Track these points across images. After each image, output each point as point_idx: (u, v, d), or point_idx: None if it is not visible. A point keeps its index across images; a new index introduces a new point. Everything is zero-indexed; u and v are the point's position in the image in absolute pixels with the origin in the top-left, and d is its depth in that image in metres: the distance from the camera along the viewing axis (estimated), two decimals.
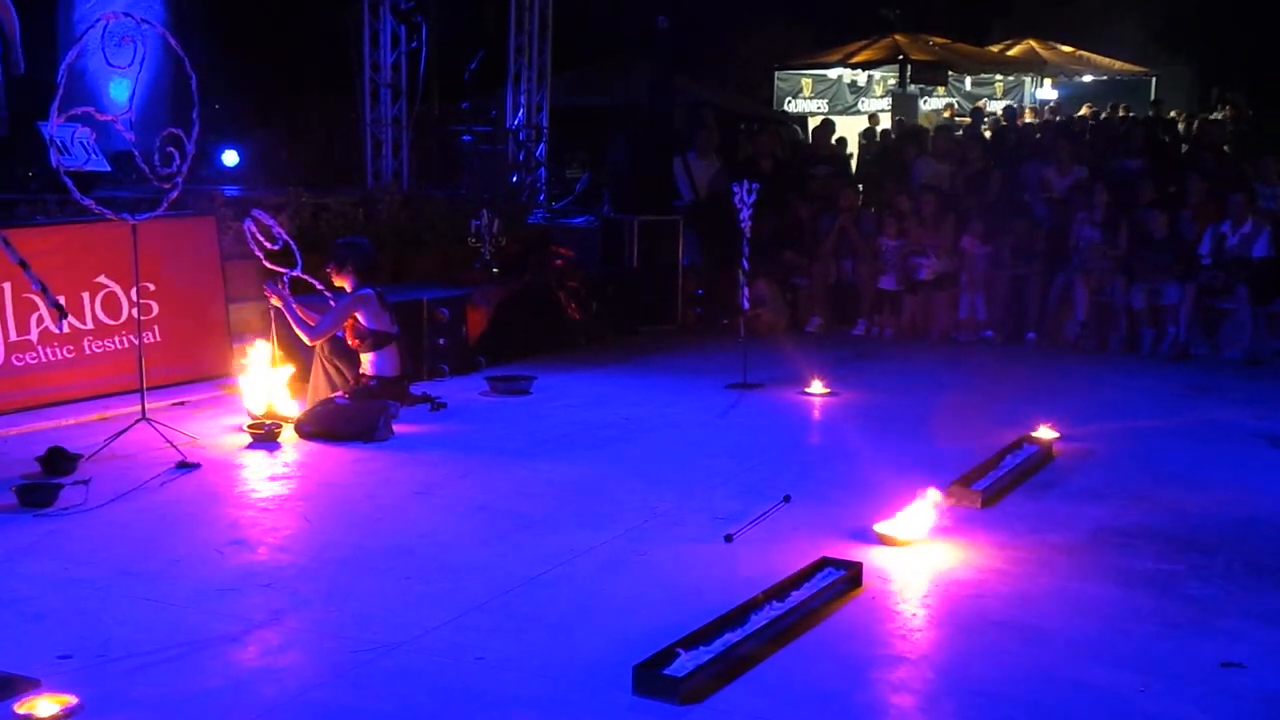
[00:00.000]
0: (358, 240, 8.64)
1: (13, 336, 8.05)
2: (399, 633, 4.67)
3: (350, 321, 8.10)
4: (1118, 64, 25.14)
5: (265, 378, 8.19)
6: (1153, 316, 11.04)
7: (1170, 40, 25.37)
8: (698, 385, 9.51)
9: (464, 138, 13.37)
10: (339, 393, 8.05)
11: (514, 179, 13.52)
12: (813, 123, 21.13)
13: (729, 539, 5.75)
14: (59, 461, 6.75)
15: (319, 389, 8.19)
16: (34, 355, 8.16)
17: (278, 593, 5.09)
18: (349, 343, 8.15)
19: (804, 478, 6.82)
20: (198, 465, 6.96)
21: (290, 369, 8.33)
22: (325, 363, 8.25)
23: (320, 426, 7.67)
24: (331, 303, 8.25)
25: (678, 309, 12.50)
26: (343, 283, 8.24)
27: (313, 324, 8.13)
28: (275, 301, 8.15)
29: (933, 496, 5.96)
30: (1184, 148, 15.36)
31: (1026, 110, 22.73)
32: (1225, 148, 14.56)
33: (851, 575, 5.19)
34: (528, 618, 4.87)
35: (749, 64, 25.53)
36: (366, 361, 8.17)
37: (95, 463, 6.91)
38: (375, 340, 8.11)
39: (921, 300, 11.98)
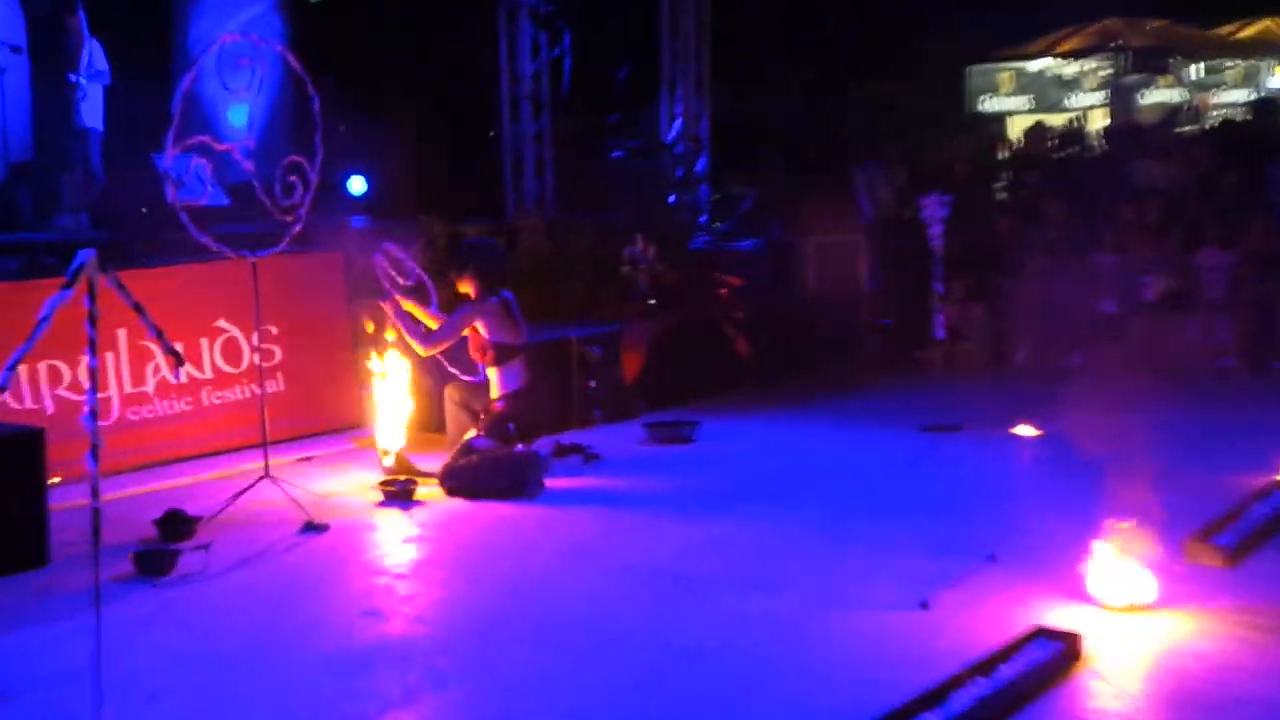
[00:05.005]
0: (482, 240, 8.65)
1: (127, 388, 8.34)
2: (549, 713, 4.69)
3: (472, 333, 8.14)
4: None
5: (396, 418, 8.34)
6: None
7: None
8: (886, 428, 9.45)
9: (614, 154, 13.50)
10: (475, 433, 8.10)
11: (672, 199, 13.61)
12: (1014, 123, 20.80)
13: (925, 605, 5.67)
14: (177, 525, 6.97)
15: (453, 436, 8.30)
16: (150, 408, 8.45)
17: (414, 669, 5.16)
18: (473, 356, 8.19)
19: (1011, 533, 6.69)
20: (326, 527, 7.11)
21: (410, 405, 8.46)
22: (457, 408, 8.36)
23: (463, 482, 7.75)
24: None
25: (861, 341, 12.41)
26: (467, 288, 8.24)
27: (434, 331, 8.21)
28: (388, 310, 8.21)
29: (1165, 554, 5.80)
30: None
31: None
32: None
33: (1069, 647, 5.06)
34: (692, 694, 4.84)
35: (937, 59, 25.27)
36: (493, 380, 8.18)
37: (215, 526, 7.11)
38: (499, 354, 8.11)
39: (1147, 325, 11.72)
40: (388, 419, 8.40)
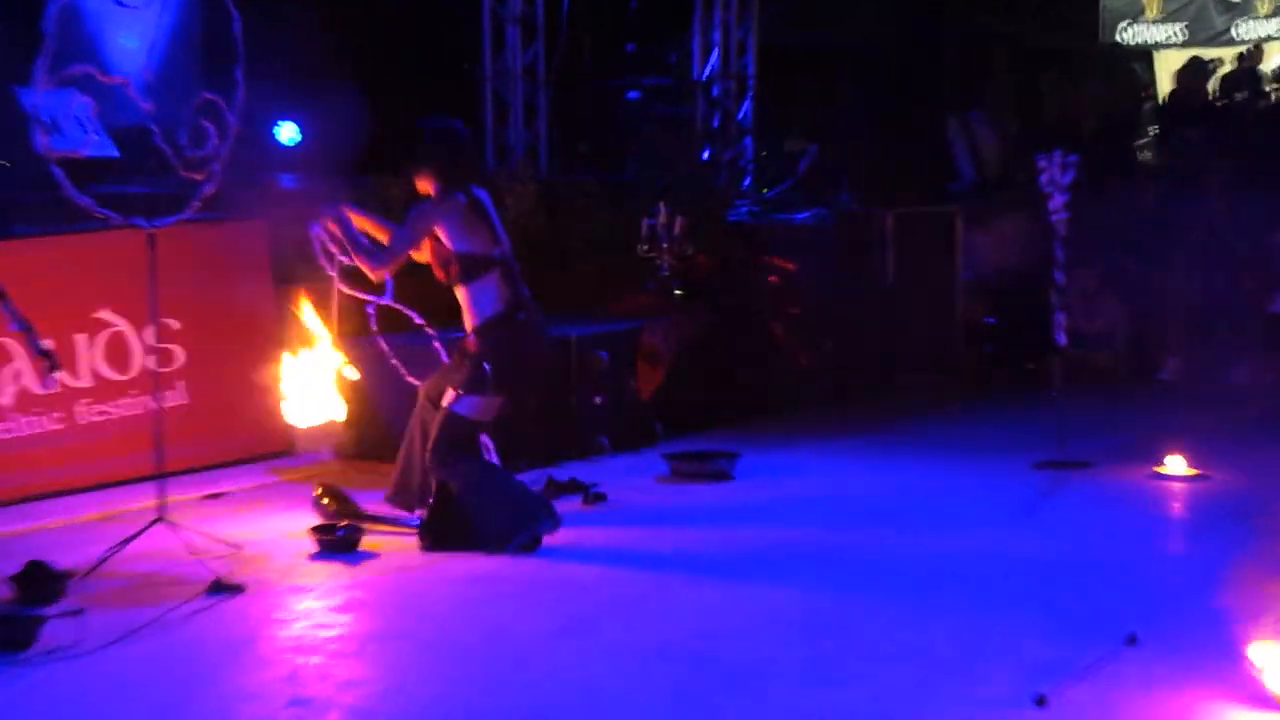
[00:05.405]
0: (443, 123, 8.35)
1: None
2: None
3: (431, 245, 7.91)
4: None
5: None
6: None
7: None
8: (988, 464, 9.50)
9: (629, 94, 13.49)
10: (453, 394, 7.87)
11: (705, 155, 13.60)
12: (1162, 60, 20.78)
13: (1042, 702, 5.62)
14: (40, 582, 6.91)
15: (414, 448, 8.12)
16: (7, 427, 8.42)
17: None
18: (436, 275, 7.99)
19: (1157, 607, 6.69)
20: (241, 588, 7.07)
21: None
22: (428, 402, 8.17)
23: (456, 478, 7.70)
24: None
25: (957, 347, 12.39)
26: (425, 186, 8.02)
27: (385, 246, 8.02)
28: (333, 230, 7.96)
29: None
30: None
31: None
32: None
33: None
34: None
35: None
36: (465, 308, 7.94)
37: (93, 584, 7.07)
38: (465, 268, 7.85)
39: None
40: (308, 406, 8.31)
